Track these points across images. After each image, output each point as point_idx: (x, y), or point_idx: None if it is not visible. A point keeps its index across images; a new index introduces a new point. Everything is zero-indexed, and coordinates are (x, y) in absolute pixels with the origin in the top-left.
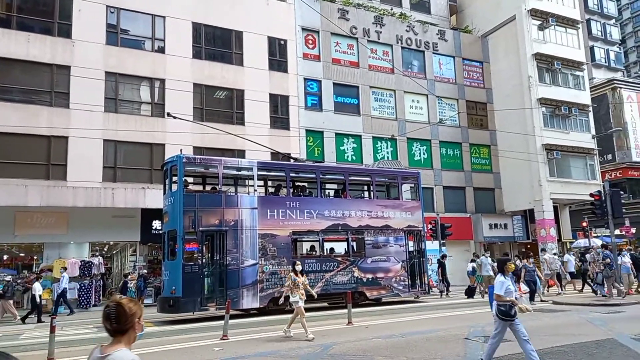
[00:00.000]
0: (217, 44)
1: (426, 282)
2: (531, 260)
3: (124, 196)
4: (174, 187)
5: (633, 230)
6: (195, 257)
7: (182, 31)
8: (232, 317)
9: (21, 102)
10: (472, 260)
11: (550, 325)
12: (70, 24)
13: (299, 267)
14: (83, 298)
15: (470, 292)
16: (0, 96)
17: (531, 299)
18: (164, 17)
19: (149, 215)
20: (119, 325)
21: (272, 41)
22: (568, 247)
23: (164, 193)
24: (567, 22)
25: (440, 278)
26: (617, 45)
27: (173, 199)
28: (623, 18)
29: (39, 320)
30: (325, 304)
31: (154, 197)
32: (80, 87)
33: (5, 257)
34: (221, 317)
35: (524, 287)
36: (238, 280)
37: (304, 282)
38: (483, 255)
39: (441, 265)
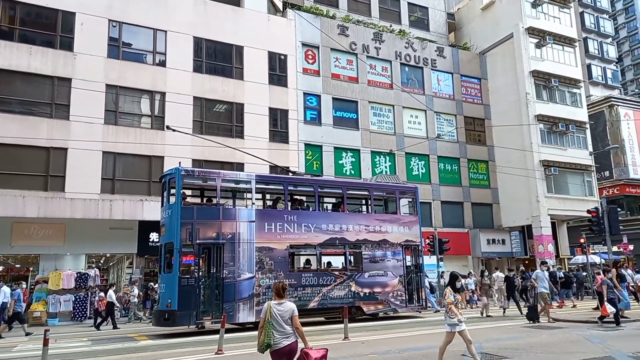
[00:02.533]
0: (218, 58)
1: (423, 297)
2: (609, 275)
3: (121, 208)
4: (172, 199)
5: (631, 247)
6: (192, 270)
7: (183, 45)
8: (228, 330)
9: (21, 114)
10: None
11: (546, 343)
12: (73, 37)
13: (459, 283)
14: (78, 311)
15: (533, 314)
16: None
17: (616, 321)
18: (165, 32)
19: (146, 227)
20: (285, 292)
21: (272, 56)
22: (566, 263)
23: (162, 205)
24: (564, 41)
25: (506, 295)
26: (614, 63)
27: (171, 211)
28: (620, 37)
29: (114, 327)
30: (322, 319)
31: (151, 209)
32: (80, 99)
33: (0, 268)
34: (216, 331)
35: (610, 308)
36: (234, 294)
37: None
38: (539, 269)
39: (508, 280)
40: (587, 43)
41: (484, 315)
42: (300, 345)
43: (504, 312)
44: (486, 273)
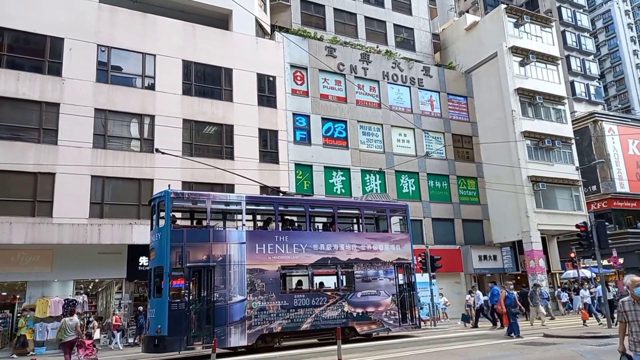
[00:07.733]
0: (207, 80)
1: (417, 315)
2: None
3: (110, 232)
4: (162, 222)
5: (621, 260)
6: (182, 294)
7: (172, 69)
8: (220, 355)
9: (8, 139)
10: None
11: None
12: (61, 62)
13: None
14: None
15: None
16: None
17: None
18: (154, 55)
19: (135, 251)
20: (74, 313)
21: (261, 78)
22: (557, 278)
23: (151, 229)
24: (547, 59)
25: None
26: (597, 79)
27: (160, 234)
28: (601, 54)
29: None
30: (315, 340)
31: (141, 233)
32: (69, 124)
33: None
34: (207, 357)
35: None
36: (225, 317)
37: None
38: None
39: None
40: (570, 61)
41: None
42: None
43: None
44: None
